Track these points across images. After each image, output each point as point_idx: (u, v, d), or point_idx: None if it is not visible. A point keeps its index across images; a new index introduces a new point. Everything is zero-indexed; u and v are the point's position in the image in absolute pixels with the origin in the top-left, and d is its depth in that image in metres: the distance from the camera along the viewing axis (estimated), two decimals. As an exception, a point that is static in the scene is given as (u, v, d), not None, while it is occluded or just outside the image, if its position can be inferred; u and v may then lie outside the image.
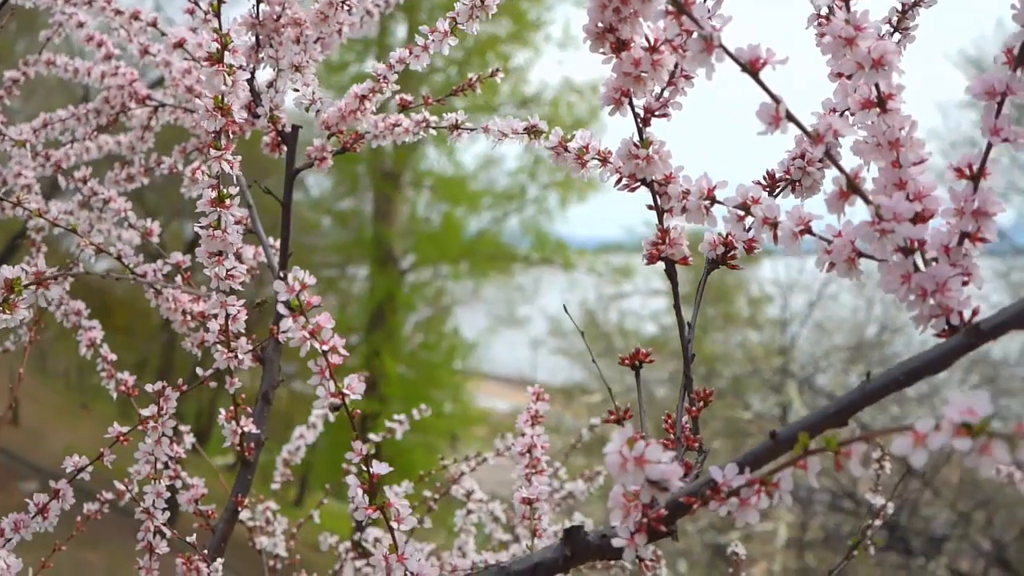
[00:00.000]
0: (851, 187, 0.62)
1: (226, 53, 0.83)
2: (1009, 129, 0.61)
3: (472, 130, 1.09)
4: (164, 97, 1.40)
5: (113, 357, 1.24)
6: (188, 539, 1.06)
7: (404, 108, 1.15)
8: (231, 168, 0.86)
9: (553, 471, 1.70)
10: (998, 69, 0.62)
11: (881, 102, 0.64)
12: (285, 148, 1.15)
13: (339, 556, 1.50)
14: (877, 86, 0.64)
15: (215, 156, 0.85)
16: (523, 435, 1.07)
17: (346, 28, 1.14)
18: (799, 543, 6.33)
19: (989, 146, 0.62)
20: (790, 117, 0.60)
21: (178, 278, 1.18)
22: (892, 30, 0.85)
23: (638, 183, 0.74)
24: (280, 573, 1.46)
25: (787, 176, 0.80)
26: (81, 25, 1.35)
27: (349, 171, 11.33)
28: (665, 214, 0.75)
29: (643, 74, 0.69)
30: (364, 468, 0.75)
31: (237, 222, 0.99)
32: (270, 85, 1.07)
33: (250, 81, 1.13)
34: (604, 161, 0.78)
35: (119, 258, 1.10)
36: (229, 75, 0.83)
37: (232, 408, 1.08)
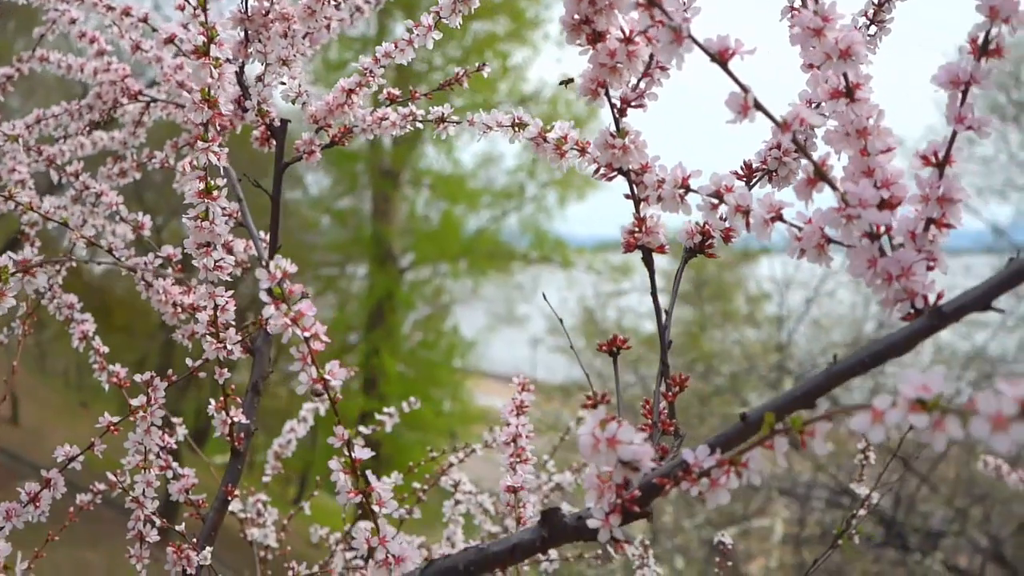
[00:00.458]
0: (818, 174, 0.63)
1: (212, 46, 0.84)
2: (973, 117, 0.62)
3: (458, 123, 1.10)
4: (157, 93, 1.41)
5: (105, 349, 1.25)
6: (178, 528, 1.07)
7: (393, 102, 1.17)
8: (218, 159, 0.87)
9: (542, 463, 1.71)
10: (963, 58, 0.63)
11: (849, 91, 0.65)
12: (274, 142, 1.16)
13: (330, 548, 1.51)
14: (845, 75, 0.65)
15: (202, 147, 0.86)
16: (508, 425, 1.09)
17: (335, 23, 1.16)
18: (796, 539, 6.35)
19: (954, 134, 0.63)
20: (758, 106, 0.61)
21: (169, 271, 1.19)
22: (868, 23, 0.86)
23: (615, 172, 0.76)
24: (271, 564, 1.48)
25: (763, 166, 0.81)
26: (73, 22, 1.36)
27: (348, 170, 11.35)
28: (642, 203, 0.77)
29: (619, 65, 0.70)
30: (347, 453, 0.76)
31: (227, 215, 1.00)
32: (259, 79, 1.08)
33: (239, 76, 1.14)
34: (583, 151, 0.80)
35: (110, 250, 1.11)
36: (216, 67, 0.85)
37: (222, 399, 1.10)
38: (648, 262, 0.79)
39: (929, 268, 0.62)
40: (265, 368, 1.16)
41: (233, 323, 1.05)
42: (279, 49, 1.06)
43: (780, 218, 0.68)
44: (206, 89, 0.85)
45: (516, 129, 0.95)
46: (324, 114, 1.12)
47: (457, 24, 1.05)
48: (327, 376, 0.75)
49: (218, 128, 0.87)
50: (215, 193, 0.90)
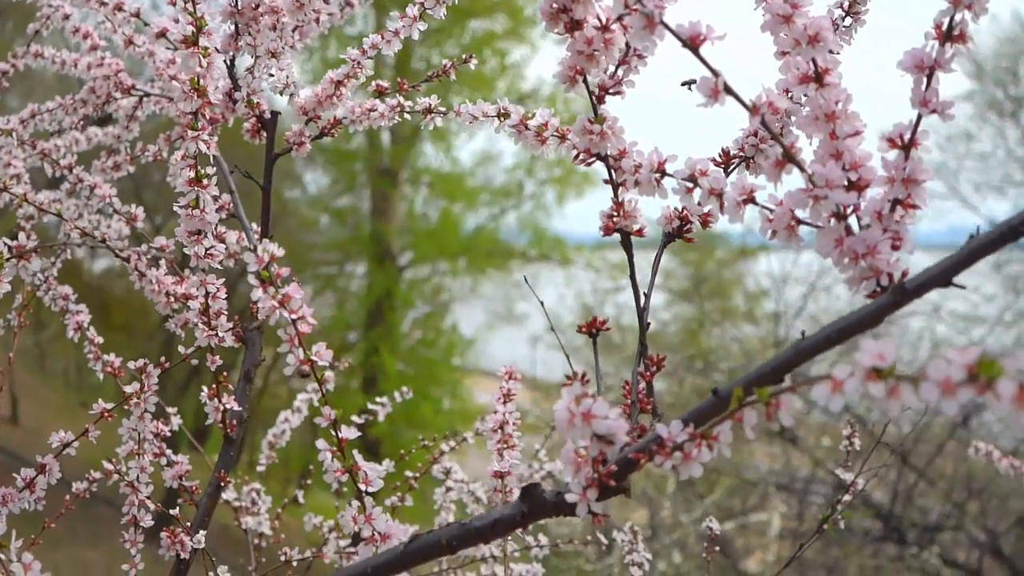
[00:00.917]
0: (787, 156, 0.65)
1: (200, 36, 0.86)
2: (937, 101, 0.64)
3: (444, 114, 1.12)
4: (150, 88, 1.43)
5: (100, 340, 1.27)
6: (172, 511, 1.09)
7: (381, 94, 1.19)
8: (208, 148, 0.89)
9: (534, 453, 1.73)
10: (927, 44, 0.65)
11: (818, 76, 0.67)
12: (265, 134, 1.18)
13: (323, 536, 1.53)
14: (814, 61, 0.67)
15: (192, 136, 0.88)
16: (495, 412, 1.11)
17: (324, 17, 1.17)
18: (794, 534, 6.37)
19: (919, 117, 0.65)
20: (728, 90, 0.63)
21: (162, 261, 1.21)
22: (844, 14, 0.88)
23: (593, 157, 0.77)
24: (265, 552, 1.50)
25: (741, 153, 0.83)
26: (67, 17, 1.38)
27: (346, 168, 11.37)
28: (620, 188, 0.78)
29: (596, 53, 0.72)
30: (333, 432, 0.78)
31: (219, 207, 1.02)
32: (248, 71, 1.10)
33: (230, 69, 1.16)
34: (563, 138, 0.82)
35: (103, 241, 1.13)
36: (204, 57, 0.86)
37: (214, 386, 1.11)
38: (626, 245, 0.80)
39: (895, 247, 0.64)
40: (257, 356, 1.18)
41: (226, 312, 1.07)
42: (268, 42, 1.08)
43: (752, 200, 0.70)
44: (195, 78, 0.87)
45: (501, 119, 0.96)
46: (313, 106, 1.14)
47: (441, 15, 1.07)
48: (314, 357, 0.76)
49: (207, 117, 0.89)
50: (205, 181, 0.91)
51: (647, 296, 0.80)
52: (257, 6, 1.09)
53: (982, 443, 1.94)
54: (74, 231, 1.11)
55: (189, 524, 1.10)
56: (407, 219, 11.80)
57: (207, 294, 1.01)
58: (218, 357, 1.08)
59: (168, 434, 1.16)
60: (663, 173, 0.76)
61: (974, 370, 0.44)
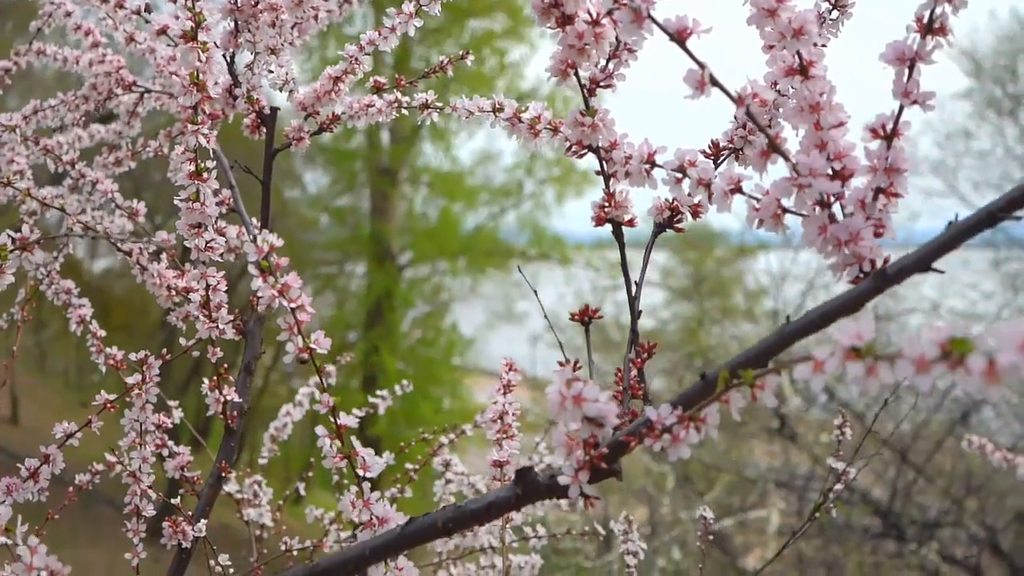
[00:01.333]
0: (771, 146, 0.67)
1: (199, 31, 0.88)
2: (918, 92, 0.66)
3: (441, 109, 1.14)
4: (151, 84, 1.45)
5: (102, 333, 1.29)
6: (173, 501, 1.11)
7: (379, 90, 1.20)
8: (208, 142, 0.91)
9: (534, 447, 1.75)
10: (909, 36, 0.66)
11: (803, 69, 0.69)
12: (264, 130, 1.20)
13: (324, 527, 1.55)
14: (799, 54, 0.69)
15: (192, 130, 0.90)
16: (495, 403, 1.13)
17: (323, 14, 1.19)
18: (793, 531, 6.39)
19: (901, 107, 0.67)
20: (714, 82, 0.65)
21: (163, 256, 1.23)
22: (831, 7, 0.90)
23: (585, 149, 0.79)
24: (266, 543, 1.52)
25: (730, 144, 0.85)
26: (69, 15, 1.40)
27: (346, 168, 11.38)
28: (611, 179, 0.80)
29: (586, 46, 0.73)
30: (332, 419, 0.80)
31: (219, 202, 1.04)
32: (248, 67, 1.12)
33: (230, 66, 1.18)
34: (555, 131, 0.83)
35: (106, 235, 1.15)
36: (203, 52, 0.88)
37: (215, 378, 1.13)
38: (618, 235, 0.82)
39: (877, 235, 0.66)
40: (257, 349, 1.20)
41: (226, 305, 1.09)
42: (267, 38, 1.09)
43: (740, 190, 0.72)
44: (194, 73, 0.89)
45: (496, 113, 0.98)
46: (312, 101, 1.16)
47: (437, 12, 1.09)
48: (313, 345, 0.78)
49: (207, 111, 0.91)
50: (205, 175, 0.93)
51: (638, 285, 0.82)
52: (256, 3, 1.10)
53: (975, 436, 1.96)
54: (76, 225, 1.13)
55: (191, 513, 1.11)
56: (407, 218, 11.81)
57: (208, 286, 1.03)
58: (219, 349, 1.10)
59: (170, 426, 1.18)
60: (653, 164, 0.78)
61: (947, 347, 0.46)
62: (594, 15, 0.73)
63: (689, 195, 0.80)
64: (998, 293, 9.05)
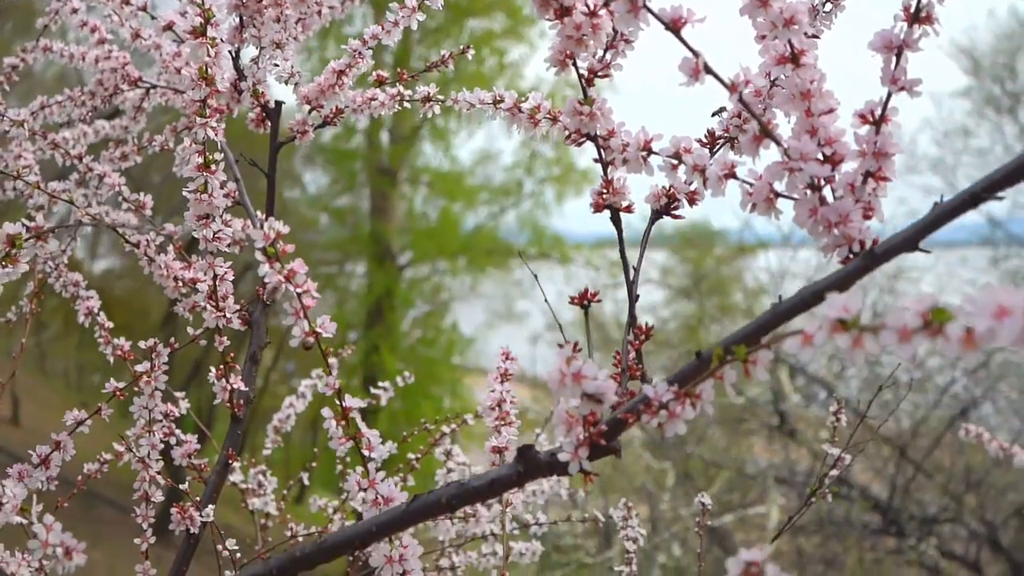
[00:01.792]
0: (764, 132, 0.69)
1: (208, 26, 0.90)
2: (905, 79, 0.68)
3: (442, 101, 1.16)
4: (156, 80, 1.47)
5: (110, 325, 1.31)
6: (181, 486, 1.13)
7: (381, 84, 1.23)
8: (216, 135, 0.93)
9: (535, 439, 1.77)
10: (896, 25, 0.69)
11: (794, 57, 0.71)
12: (269, 123, 1.22)
13: (328, 516, 1.57)
14: (790, 42, 0.71)
15: (200, 123, 0.92)
16: (493, 391, 1.15)
17: (326, 10, 1.21)
18: (793, 527, 6.41)
19: (889, 94, 0.69)
20: (708, 70, 0.67)
21: (170, 248, 1.25)
22: (824, 0, 0.92)
23: (583, 138, 0.81)
24: (271, 531, 1.54)
25: (726, 134, 0.87)
26: (75, 11, 1.42)
27: (346, 168, 11.41)
28: (609, 166, 0.82)
29: (584, 37, 0.76)
30: (337, 401, 0.82)
31: (225, 195, 1.06)
32: (253, 62, 1.14)
33: (235, 61, 1.20)
34: (554, 120, 0.86)
35: (113, 227, 1.17)
36: (212, 46, 0.90)
37: (222, 366, 1.15)
38: (616, 221, 0.84)
39: (867, 217, 0.68)
40: (263, 339, 1.22)
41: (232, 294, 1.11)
42: (272, 33, 1.12)
43: (733, 175, 0.74)
44: (203, 67, 0.91)
45: (496, 105, 1.00)
46: (316, 95, 1.18)
47: (439, 6, 1.11)
48: (318, 329, 0.80)
49: (215, 105, 0.93)
50: (213, 167, 0.95)
51: (636, 270, 0.84)
52: (261, -1, 1.13)
53: (972, 425, 1.98)
54: (85, 218, 1.15)
55: (199, 499, 1.13)
56: (407, 218, 11.84)
57: (215, 276, 1.05)
58: (225, 338, 1.13)
59: (178, 415, 1.20)
60: (649, 151, 0.80)
61: (928, 317, 0.48)
62: (591, 6, 0.75)
63: (685, 182, 0.82)
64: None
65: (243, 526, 1.50)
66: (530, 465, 0.74)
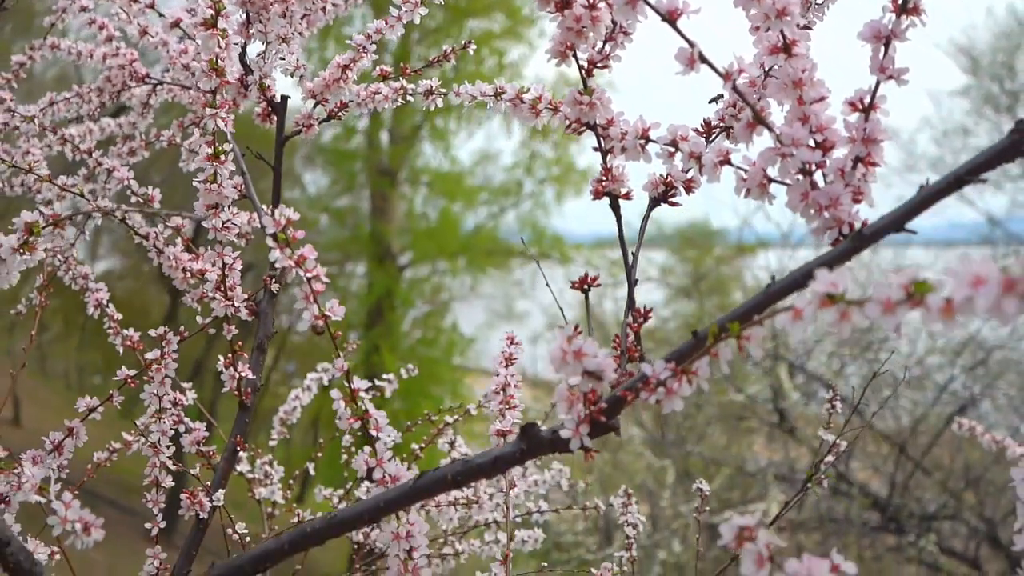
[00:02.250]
0: (757, 119, 0.71)
1: (219, 18, 0.93)
2: (893, 68, 0.71)
3: (445, 94, 1.18)
4: (163, 76, 1.50)
5: (119, 316, 1.33)
6: (192, 471, 1.15)
7: (385, 79, 1.25)
8: (225, 125, 0.96)
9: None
10: (884, 15, 0.71)
11: (786, 47, 0.73)
12: (275, 118, 1.24)
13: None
14: (783, 33, 0.73)
15: (211, 114, 0.94)
16: (497, 375, 1.17)
17: (330, 6, 1.24)
18: (792, 524, 6.44)
19: (878, 82, 0.72)
20: (703, 59, 0.70)
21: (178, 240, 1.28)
22: (816, -6, 0.95)
23: (584, 127, 0.84)
24: (277, 520, 1.56)
25: (721, 123, 0.89)
26: (84, 9, 1.45)
27: (346, 169, 11.43)
28: (608, 154, 0.85)
29: (584, 29, 0.78)
30: (346, 383, 0.84)
31: (234, 187, 1.08)
32: (260, 56, 1.17)
33: (242, 56, 1.23)
34: (555, 110, 0.88)
35: (123, 220, 1.20)
36: (222, 38, 0.93)
37: (230, 355, 1.18)
38: (615, 207, 0.87)
39: (856, 200, 0.71)
40: (269, 328, 1.25)
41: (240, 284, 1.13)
42: (278, 28, 1.14)
43: (728, 162, 0.77)
44: (214, 59, 0.94)
45: (498, 97, 1.03)
46: (321, 89, 1.20)
47: (440, 1, 1.14)
48: (328, 313, 0.83)
49: (225, 95, 0.95)
50: (222, 157, 0.98)
51: (635, 256, 0.87)
52: (267, -5, 1.15)
53: (966, 420, 2.00)
54: (96, 212, 1.18)
55: (208, 484, 1.16)
56: (407, 219, 11.87)
57: (224, 265, 1.08)
58: (234, 327, 1.15)
59: (186, 403, 1.23)
60: (647, 139, 0.83)
61: (910, 289, 0.50)
62: (591, 0, 0.78)
63: (682, 170, 0.85)
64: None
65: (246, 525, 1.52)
66: (533, 442, 0.77)
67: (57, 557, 1.26)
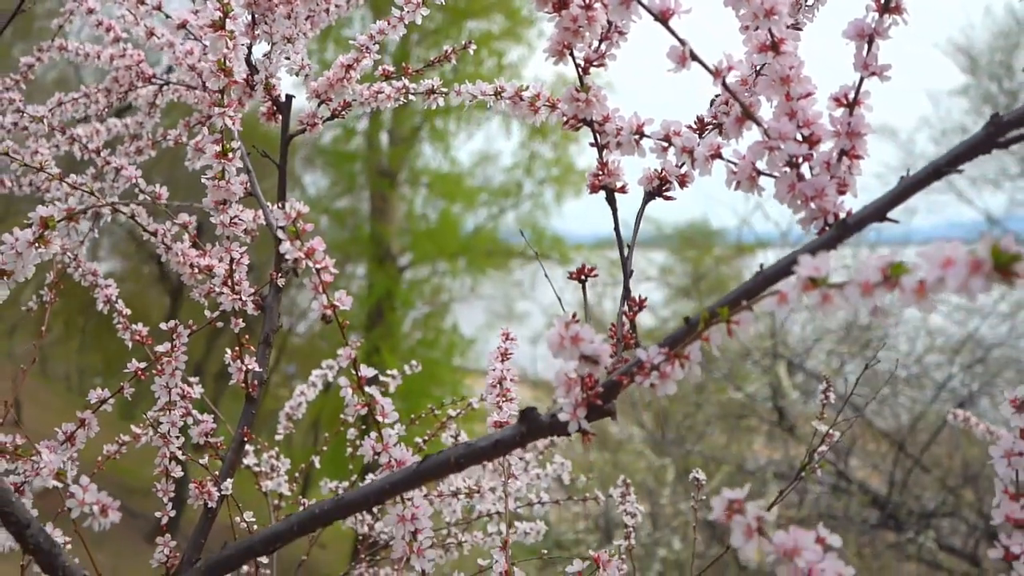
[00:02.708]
0: (746, 114, 0.75)
1: (227, 20, 0.96)
2: (876, 65, 0.74)
3: (446, 94, 1.22)
4: (169, 77, 1.53)
5: (128, 312, 1.37)
6: (201, 461, 1.18)
7: (388, 78, 1.28)
8: (233, 124, 0.99)
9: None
10: (867, 15, 0.74)
11: (774, 46, 0.77)
12: (280, 116, 1.28)
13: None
14: (771, 32, 0.76)
15: (219, 112, 0.98)
16: (493, 369, 1.20)
17: (334, 7, 1.27)
18: (792, 521, 6.46)
19: (861, 78, 0.75)
20: (694, 57, 0.73)
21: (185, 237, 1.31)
22: (806, -7, 0.98)
23: (580, 123, 0.87)
24: (283, 511, 1.60)
25: (714, 120, 0.93)
26: (91, 11, 1.48)
27: (346, 170, 11.47)
28: (604, 149, 0.88)
29: (580, 29, 0.81)
30: (353, 371, 0.88)
31: (241, 184, 1.12)
32: (266, 56, 1.20)
33: (247, 57, 1.26)
34: (553, 107, 0.91)
35: (132, 216, 1.23)
36: (230, 40, 0.96)
37: (237, 348, 1.21)
38: (610, 200, 0.90)
39: (841, 192, 0.74)
40: (275, 322, 1.28)
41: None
42: (283, 29, 1.17)
43: (719, 156, 0.80)
44: (222, 60, 0.97)
45: (497, 96, 1.06)
46: (325, 88, 1.24)
47: (441, 1, 1.17)
48: (336, 303, 0.86)
49: (232, 95, 0.99)
50: (230, 155, 1.01)
51: (630, 247, 0.90)
52: (272, -3, 1.18)
53: (959, 410, 2.03)
54: (106, 208, 1.21)
55: (218, 472, 1.19)
56: (406, 220, 11.90)
57: (231, 260, 1.11)
58: (242, 320, 1.18)
59: (195, 396, 1.26)
60: (641, 134, 0.86)
61: (887, 272, 0.54)
62: (587, 0, 0.81)
63: (676, 164, 0.88)
64: (994, 287, 9.12)
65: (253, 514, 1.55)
66: (533, 426, 0.80)
67: (69, 547, 1.29)
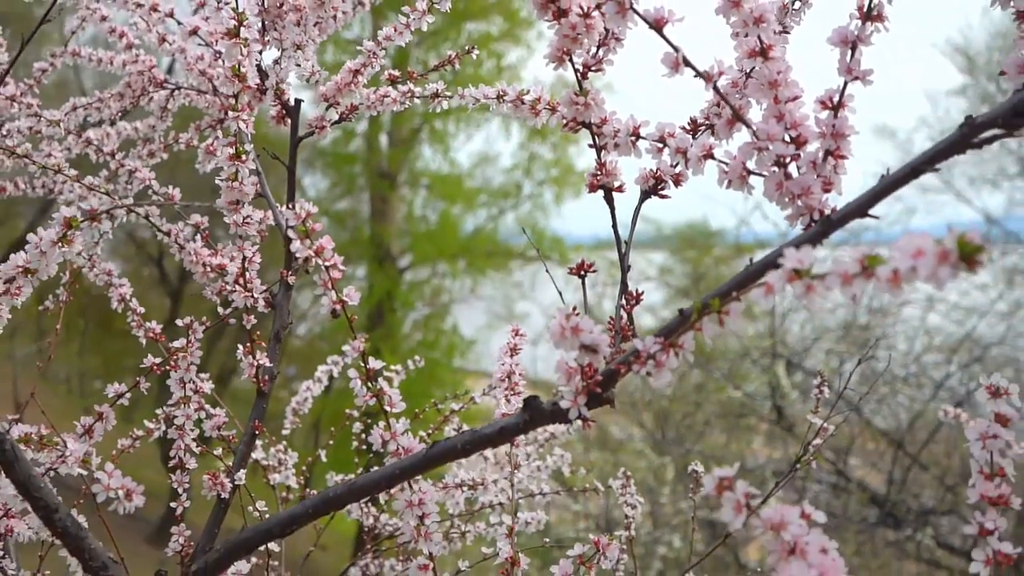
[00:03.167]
0: (736, 116, 0.79)
1: (242, 28, 1.00)
2: (859, 69, 0.78)
3: (450, 97, 1.26)
4: (181, 81, 1.57)
5: (141, 310, 1.41)
6: (216, 452, 1.23)
7: (393, 83, 1.33)
8: (246, 127, 1.03)
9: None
10: (851, 22, 0.79)
11: (763, 51, 0.81)
12: (289, 120, 1.32)
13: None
14: (760, 38, 0.81)
15: (233, 116, 1.02)
16: (503, 364, 1.25)
17: (341, 14, 1.32)
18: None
19: (845, 83, 0.79)
20: (687, 63, 0.77)
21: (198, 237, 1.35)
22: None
23: (579, 125, 0.91)
24: (291, 503, 1.64)
25: (707, 121, 0.97)
26: (104, 19, 1.52)
27: (346, 172, 11.51)
28: (602, 150, 0.93)
29: (579, 36, 0.86)
30: (362, 363, 0.92)
31: (252, 184, 1.16)
32: (276, 62, 1.24)
33: (258, 64, 1.30)
34: (553, 110, 0.96)
35: (147, 216, 1.27)
36: (244, 47, 1.00)
37: (249, 344, 1.25)
38: (608, 199, 0.94)
39: (826, 190, 0.78)
40: (286, 319, 1.32)
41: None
42: (293, 35, 1.22)
43: (711, 156, 0.84)
44: (236, 66, 1.01)
45: (500, 99, 1.10)
46: (333, 92, 1.28)
47: (447, 7, 1.21)
48: (345, 298, 0.90)
49: (245, 99, 1.03)
50: (244, 157, 1.05)
51: (628, 244, 0.94)
52: (282, 4, 1.23)
53: (950, 407, 2.07)
54: (120, 209, 1.25)
55: (230, 464, 1.23)
56: (406, 221, 11.93)
57: (244, 259, 1.15)
58: (253, 317, 1.22)
59: (207, 391, 1.30)
60: (638, 136, 0.90)
61: (864, 263, 0.58)
62: (585, 8, 0.85)
63: (671, 164, 0.92)
64: (993, 287, 9.17)
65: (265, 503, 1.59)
66: (535, 413, 0.84)
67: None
